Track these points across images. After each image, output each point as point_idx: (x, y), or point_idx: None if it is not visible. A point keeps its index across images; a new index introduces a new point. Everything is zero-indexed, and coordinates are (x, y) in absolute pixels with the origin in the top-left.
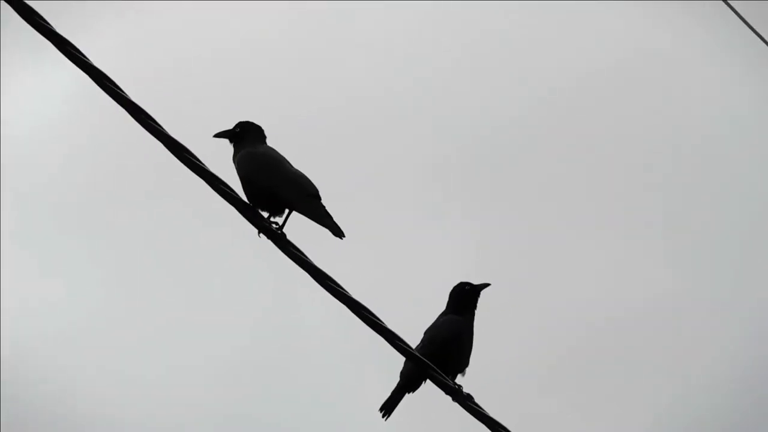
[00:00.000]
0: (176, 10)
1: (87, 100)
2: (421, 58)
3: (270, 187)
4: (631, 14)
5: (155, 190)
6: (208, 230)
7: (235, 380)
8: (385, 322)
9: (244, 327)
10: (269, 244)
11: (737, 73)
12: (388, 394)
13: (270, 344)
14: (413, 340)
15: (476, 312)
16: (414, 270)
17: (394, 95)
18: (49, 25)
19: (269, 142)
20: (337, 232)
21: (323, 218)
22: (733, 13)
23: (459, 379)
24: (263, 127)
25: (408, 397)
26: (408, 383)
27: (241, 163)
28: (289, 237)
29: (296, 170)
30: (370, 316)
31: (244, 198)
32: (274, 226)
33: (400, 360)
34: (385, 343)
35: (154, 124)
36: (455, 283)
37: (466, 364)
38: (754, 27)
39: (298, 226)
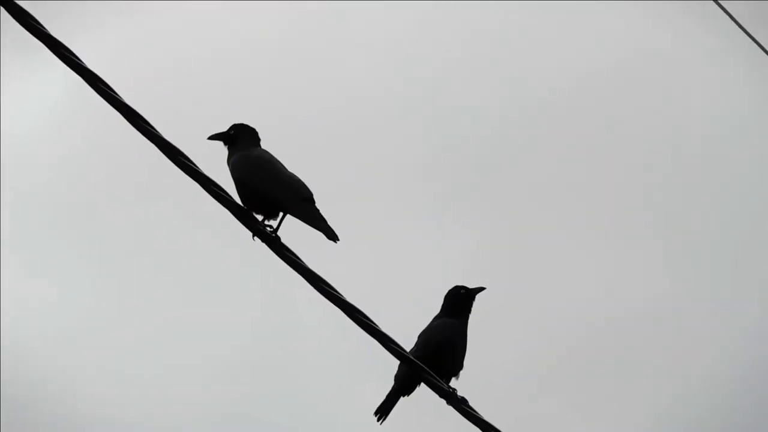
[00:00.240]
0: (169, 12)
1: (80, 102)
2: (417, 58)
3: (264, 190)
4: (630, 14)
5: (151, 192)
6: (203, 232)
7: (230, 381)
8: (379, 325)
9: (239, 329)
10: (264, 247)
11: (736, 74)
12: (383, 398)
13: (265, 346)
14: (407, 343)
15: (471, 315)
16: (408, 273)
17: (389, 97)
18: (43, 27)
19: (264, 144)
20: (332, 236)
21: (317, 222)
22: (729, 14)
23: (453, 383)
24: (257, 130)
25: (403, 401)
26: (402, 387)
27: (235, 165)
28: (283, 240)
29: (290, 173)
30: (364, 319)
31: (239, 201)
32: (268, 229)
33: (394, 363)
34: (379, 346)
35: (147, 127)
36: (450, 287)
37: (461, 367)
38: (750, 28)
39: (292, 229)
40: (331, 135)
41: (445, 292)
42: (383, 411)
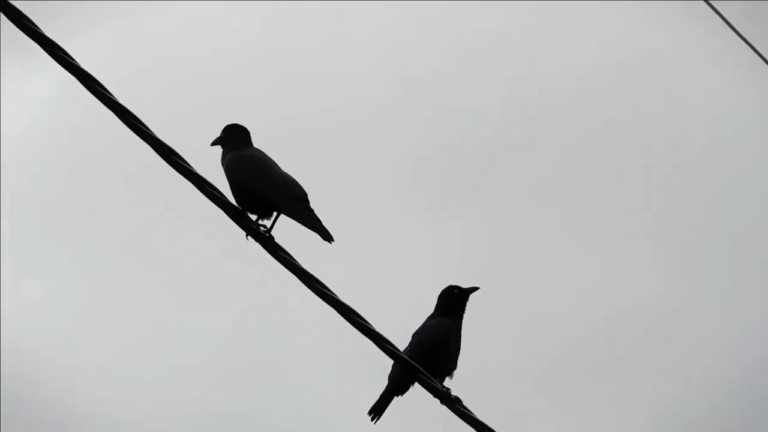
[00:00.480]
0: (164, 12)
1: (75, 102)
2: (414, 58)
3: (257, 189)
4: (629, 14)
5: (145, 192)
6: (197, 232)
7: (224, 381)
8: (373, 324)
9: (233, 328)
10: (258, 247)
11: (735, 74)
12: (377, 398)
13: (259, 346)
14: (401, 342)
15: (465, 315)
16: (402, 273)
17: (385, 96)
18: (37, 28)
19: (259, 144)
20: (326, 236)
21: (312, 222)
22: (719, 16)
23: (447, 382)
24: (249, 129)
25: (396, 400)
26: (396, 386)
27: (228, 165)
28: (277, 240)
29: (284, 173)
30: (358, 319)
31: (232, 200)
32: (262, 228)
33: (388, 363)
34: (373, 346)
35: (141, 127)
36: (444, 286)
37: (454, 367)
38: (745, 27)
39: (286, 229)
40: (326, 135)
41: (439, 291)
42: (377, 411)
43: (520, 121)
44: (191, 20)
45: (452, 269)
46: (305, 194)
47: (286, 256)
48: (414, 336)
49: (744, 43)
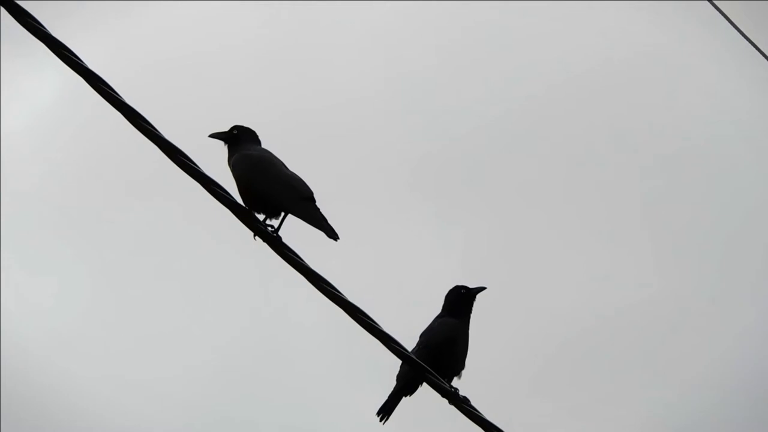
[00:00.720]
0: (166, 11)
1: (81, 100)
2: (418, 58)
3: (265, 189)
4: (628, 14)
5: (151, 192)
6: (202, 232)
7: (229, 382)
8: (380, 324)
9: (238, 329)
10: (264, 247)
11: (735, 73)
12: (386, 398)
13: (264, 347)
14: (407, 342)
15: (472, 315)
16: (406, 272)
17: (388, 95)
18: (43, 27)
19: (264, 144)
20: (332, 235)
21: (318, 221)
22: (722, 15)
23: (455, 382)
24: (256, 131)
25: (405, 401)
26: (405, 386)
27: (236, 165)
28: (283, 240)
29: (291, 173)
30: (366, 319)
31: (240, 201)
32: (269, 228)
33: (394, 363)
34: (380, 346)
35: (149, 128)
36: (449, 286)
37: (462, 366)
38: (747, 27)
39: (290, 228)
40: (331, 134)
41: (444, 291)
42: (386, 411)
43: (524, 122)
44: (191, 20)
45: (457, 269)
46: (311, 193)
47: (294, 255)
48: (422, 336)
49: (743, 42)
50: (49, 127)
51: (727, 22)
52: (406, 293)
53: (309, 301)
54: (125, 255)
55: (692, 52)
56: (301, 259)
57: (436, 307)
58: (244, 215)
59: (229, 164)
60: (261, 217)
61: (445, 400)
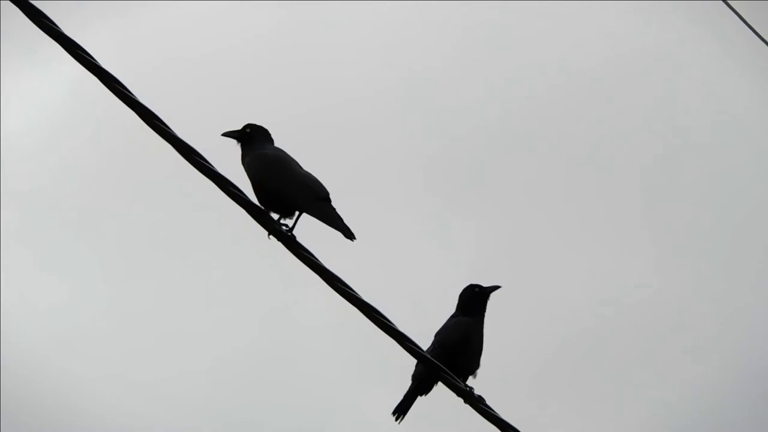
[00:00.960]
0: (168, 11)
1: (88, 98)
2: (426, 57)
3: (279, 189)
4: (629, 12)
5: (160, 190)
6: (214, 231)
7: (240, 382)
8: (394, 324)
9: (250, 329)
10: (278, 246)
11: (735, 73)
12: (401, 397)
13: (275, 347)
14: (422, 341)
15: (486, 314)
16: (418, 272)
17: (397, 95)
18: (58, 27)
19: (276, 143)
20: (348, 234)
21: (335, 221)
22: (733, 12)
23: (470, 381)
24: (269, 130)
25: (420, 400)
26: (420, 385)
27: (251, 165)
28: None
29: (306, 172)
30: (382, 318)
31: (254, 200)
32: (284, 228)
33: (406, 363)
34: (392, 346)
35: (164, 127)
36: (462, 285)
37: (477, 366)
38: (754, 26)
39: (303, 228)
40: (340, 133)
41: (455, 290)
42: (401, 410)
43: (530, 121)
44: (198, 19)
45: (467, 268)
46: (327, 193)
47: (309, 255)
48: (437, 335)
49: (745, 40)
50: (54, 126)
51: (727, 22)
52: (417, 292)
53: (320, 301)
54: (132, 254)
55: (692, 52)
56: (316, 259)
57: (447, 306)
58: (259, 215)
59: (243, 163)
60: (275, 216)
61: (461, 400)
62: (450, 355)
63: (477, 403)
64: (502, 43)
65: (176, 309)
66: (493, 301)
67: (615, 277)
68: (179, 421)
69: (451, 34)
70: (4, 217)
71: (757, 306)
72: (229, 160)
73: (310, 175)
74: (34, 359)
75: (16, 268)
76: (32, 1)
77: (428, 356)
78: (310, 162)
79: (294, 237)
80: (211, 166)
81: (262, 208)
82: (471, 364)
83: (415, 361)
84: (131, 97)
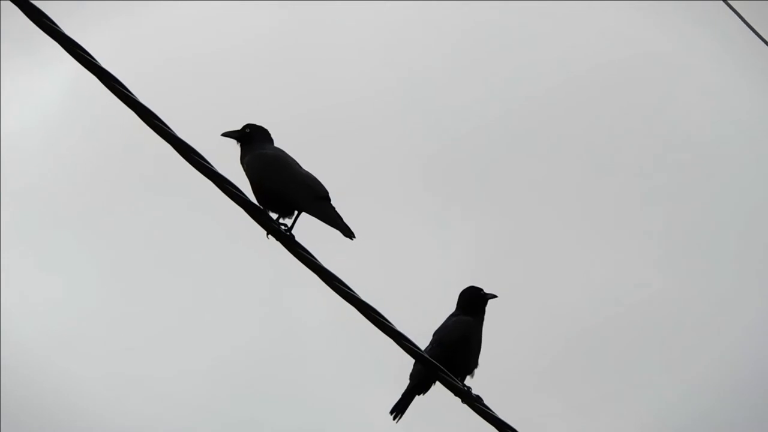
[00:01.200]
0: (168, 11)
1: (87, 97)
2: (426, 57)
3: (280, 189)
4: (629, 13)
5: (158, 189)
6: (213, 230)
7: (239, 381)
8: (393, 323)
9: (249, 328)
10: (276, 246)
11: (735, 73)
12: (399, 397)
13: (274, 346)
14: (420, 341)
15: (485, 315)
16: (419, 271)
17: (396, 95)
18: (58, 27)
19: (276, 143)
20: (348, 233)
21: (334, 220)
22: (733, 13)
23: (468, 381)
24: (269, 130)
25: (418, 399)
26: (418, 385)
27: (250, 164)
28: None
29: (306, 172)
30: (379, 318)
31: (253, 199)
32: (282, 227)
33: (404, 363)
34: (390, 345)
35: (164, 127)
36: (461, 285)
37: (475, 365)
38: (754, 26)
39: (301, 227)
40: (340, 133)
41: (455, 290)
42: (399, 409)
43: (530, 121)
44: (199, 19)
45: (467, 268)
46: (326, 192)
47: (307, 254)
48: (435, 334)
49: (745, 41)
50: (54, 125)
51: (727, 22)
52: (416, 292)
53: (319, 300)
54: (131, 253)
55: (692, 52)
56: (315, 258)
57: (446, 306)
58: (257, 214)
59: (242, 163)
60: (274, 216)
61: (458, 399)
62: (449, 354)
63: (474, 402)
64: (502, 43)
65: (175, 308)
66: (493, 301)
67: (615, 277)
68: (179, 421)
69: (451, 34)
70: (3, 217)
71: (757, 306)
72: (229, 160)
73: (310, 174)
74: (33, 358)
75: (15, 267)
76: (32, 1)
77: (426, 356)
78: (310, 162)
79: (293, 236)
80: (210, 165)
81: (261, 207)
82: (469, 364)
83: (413, 360)
84: (131, 97)
